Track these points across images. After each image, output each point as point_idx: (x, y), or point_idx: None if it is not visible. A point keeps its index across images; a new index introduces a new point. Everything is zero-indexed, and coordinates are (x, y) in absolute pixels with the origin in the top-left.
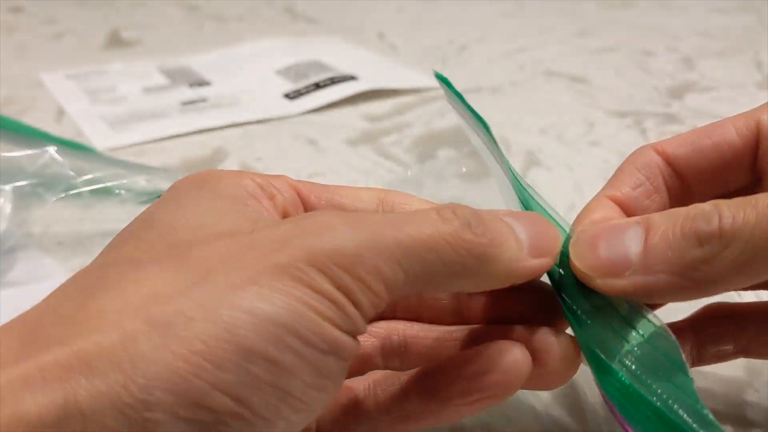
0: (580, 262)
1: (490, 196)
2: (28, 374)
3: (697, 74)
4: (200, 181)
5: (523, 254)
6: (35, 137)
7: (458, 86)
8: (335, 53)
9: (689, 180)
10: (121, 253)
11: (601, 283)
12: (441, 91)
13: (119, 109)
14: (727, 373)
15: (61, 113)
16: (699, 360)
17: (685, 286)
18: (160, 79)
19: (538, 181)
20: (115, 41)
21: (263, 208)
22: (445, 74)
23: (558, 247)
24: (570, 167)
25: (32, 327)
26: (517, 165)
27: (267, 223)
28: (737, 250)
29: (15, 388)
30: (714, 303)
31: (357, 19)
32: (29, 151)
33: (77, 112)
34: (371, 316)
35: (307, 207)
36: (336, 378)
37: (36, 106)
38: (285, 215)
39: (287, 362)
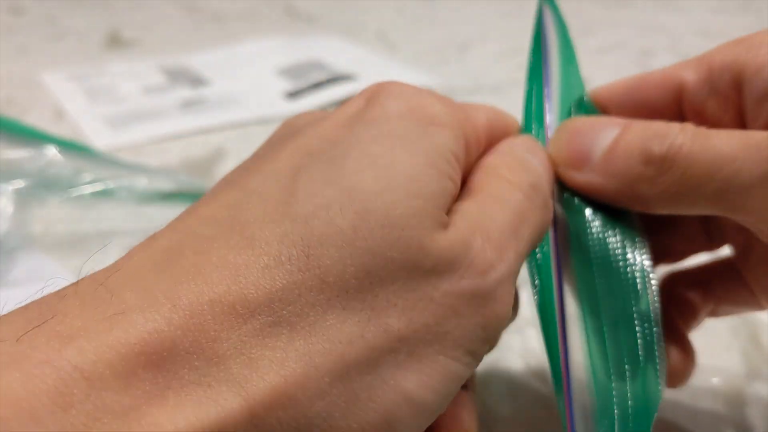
0: (552, 148)
1: None
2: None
3: None
4: (417, 120)
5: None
6: (35, 137)
7: (459, 85)
8: (335, 53)
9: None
10: (295, 210)
11: (562, 171)
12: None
13: (119, 109)
14: (727, 373)
15: (61, 113)
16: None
17: (628, 197)
18: (160, 79)
19: None
20: (115, 41)
21: (450, 193)
22: (445, 74)
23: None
24: None
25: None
26: None
27: (460, 274)
28: (672, 177)
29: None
30: (677, 272)
31: (357, 18)
32: (29, 151)
33: (77, 112)
34: None
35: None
36: None
37: (36, 106)
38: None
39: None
